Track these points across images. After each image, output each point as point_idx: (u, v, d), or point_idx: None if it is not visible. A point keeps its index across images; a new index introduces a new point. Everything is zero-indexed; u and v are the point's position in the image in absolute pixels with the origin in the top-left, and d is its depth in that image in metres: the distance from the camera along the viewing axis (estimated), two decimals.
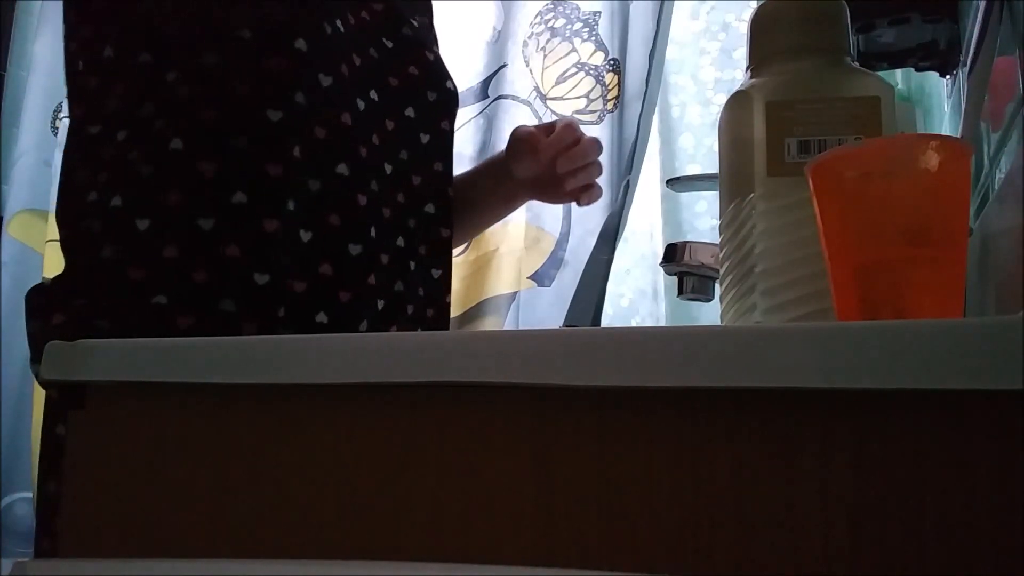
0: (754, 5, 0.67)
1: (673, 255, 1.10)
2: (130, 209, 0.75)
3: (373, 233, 0.81)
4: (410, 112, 0.87)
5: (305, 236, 0.76)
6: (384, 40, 0.87)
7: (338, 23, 0.81)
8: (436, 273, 0.89)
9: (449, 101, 0.93)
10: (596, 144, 0.94)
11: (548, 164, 0.92)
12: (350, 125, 0.79)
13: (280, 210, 0.75)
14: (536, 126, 0.95)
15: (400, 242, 0.85)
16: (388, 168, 0.84)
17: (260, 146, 0.76)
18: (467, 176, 0.99)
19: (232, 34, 0.76)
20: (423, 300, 0.87)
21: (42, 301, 0.78)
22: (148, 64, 0.77)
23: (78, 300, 0.76)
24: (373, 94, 0.84)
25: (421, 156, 0.88)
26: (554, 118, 1.64)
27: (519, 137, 0.94)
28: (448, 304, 0.91)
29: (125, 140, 0.77)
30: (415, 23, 0.92)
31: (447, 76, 0.93)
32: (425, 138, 0.89)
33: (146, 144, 0.76)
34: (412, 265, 0.86)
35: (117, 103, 0.78)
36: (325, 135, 0.78)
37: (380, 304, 0.81)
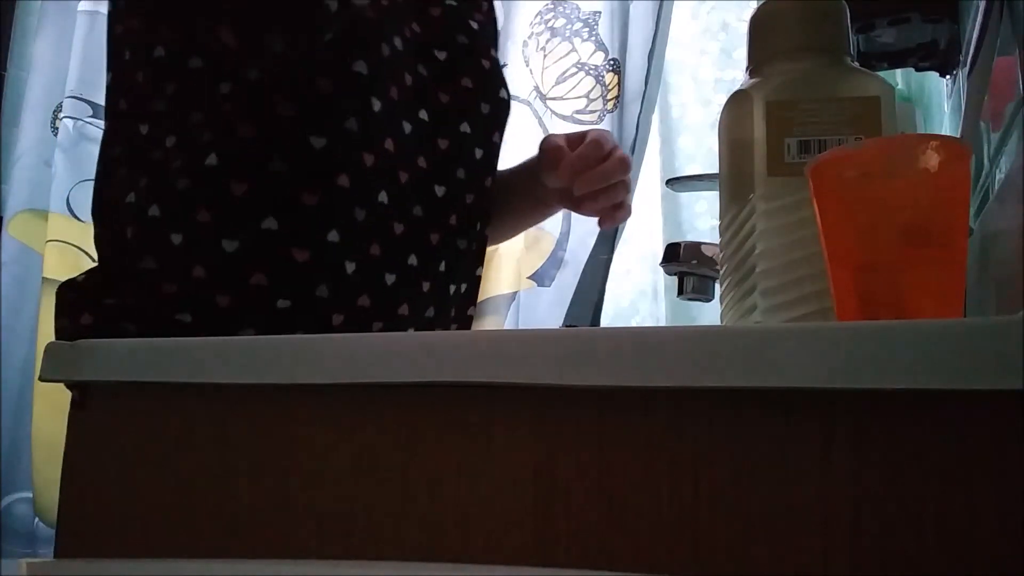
0: (754, 5, 0.67)
1: (673, 255, 1.10)
2: (166, 222, 0.73)
3: (413, 261, 0.77)
4: (465, 128, 0.82)
5: (349, 267, 0.74)
6: (436, 52, 0.82)
7: (396, 40, 0.77)
8: (464, 287, 0.86)
9: (501, 112, 0.87)
10: (622, 164, 0.85)
11: (570, 181, 0.86)
12: (392, 152, 0.76)
13: (315, 240, 0.73)
14: (567, 136, 0.88)
15: (442, 267, 0.80)
16: (440, 191, 0.80)
17: (299, 172, 0.73)
18: (503, 178, 0.93)
19: (281, 53, 0.73)
20: (451, 318, 0.84)
21: (73, 298, 0.76)
22: (200, 70, 0.74)
23: (108, 300, 0.74)
24: (423, 114, 0.79)
25: (475, 173, 0.84)
26: (554, 118, 1.66)
27: (545, 150, 0.88)
28: (471, 316, 0.88)
29: (173, 147, 0.74)
30: (474, 25, 0.87)
31: (501, 84, 0.88)
32: (479, 153, 0.84)
33: (189, 156, 0.74)
34: (452, 290, 0.82)
35: (166, 105, 0.75)
36: (373, 163, 0.75)
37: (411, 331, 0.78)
